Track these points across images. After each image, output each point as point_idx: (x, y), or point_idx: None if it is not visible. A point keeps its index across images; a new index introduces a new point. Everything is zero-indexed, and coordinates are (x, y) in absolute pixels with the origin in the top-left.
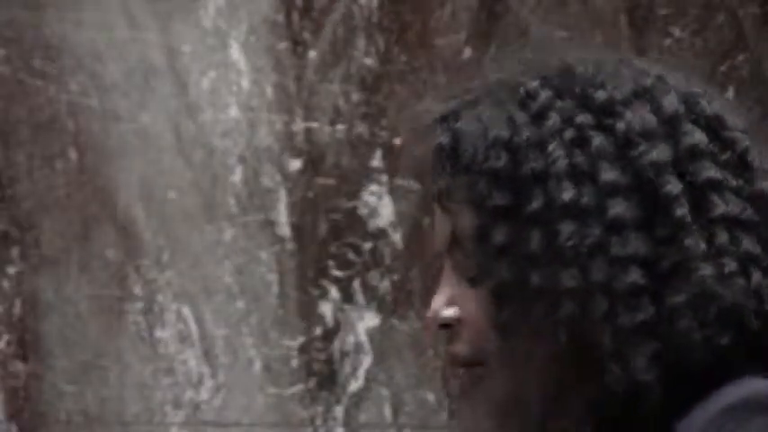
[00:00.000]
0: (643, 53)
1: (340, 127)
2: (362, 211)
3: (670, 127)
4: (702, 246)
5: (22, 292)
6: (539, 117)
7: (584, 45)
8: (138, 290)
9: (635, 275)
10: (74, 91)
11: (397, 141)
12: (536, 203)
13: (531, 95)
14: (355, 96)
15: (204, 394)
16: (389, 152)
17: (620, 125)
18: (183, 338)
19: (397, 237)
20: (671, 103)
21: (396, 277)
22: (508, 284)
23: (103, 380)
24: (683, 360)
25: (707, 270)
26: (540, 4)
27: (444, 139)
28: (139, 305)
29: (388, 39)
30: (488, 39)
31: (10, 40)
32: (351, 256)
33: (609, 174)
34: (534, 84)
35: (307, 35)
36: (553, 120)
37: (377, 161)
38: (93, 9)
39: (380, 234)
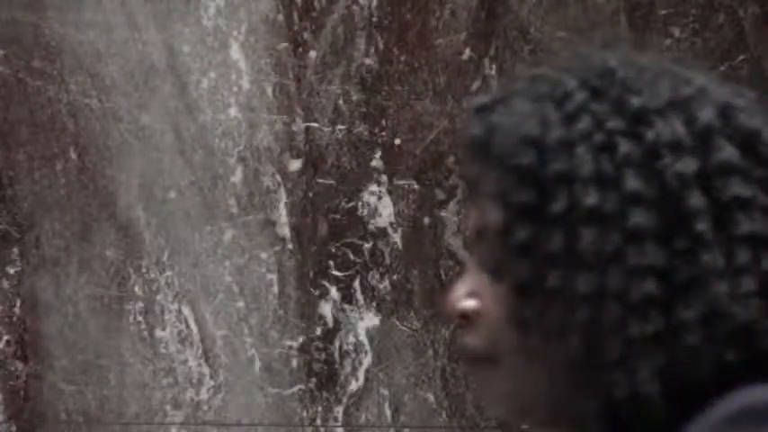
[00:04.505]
0: (643, 53)
1: (340, 127)
2: (362, 211)
3: (701, 140)
4: (720, 263)
5: (22, 292)
6: (571, 118)
7: (588, 44)
8: (138, 290)
9: (650, 286)
10: (74, 91)
11: (397, 141)
12: (559, 205)
13: (567, 95)
14: (355, 96)
15: (204, 394)
16: (389, 152)
17: (650, 134)
18: (183, 338)
19: (397, 237)
20: (706, 115)
21: (396, 277)
22: (527, 283)
23: (103, 380)
24: (688, 375)
25: (722, 287)
26: (540, 4)
27: (478, 130)
28: (139, 305)
29: (388, 39)
30: (488, 39)
31: (10, 40)
32: (351, 256)
33: (633, 182)
34: (573, 83)
35: (307, 35)
36: (585, 122)
37: (377, 161)
38: (94, 9)
39: (380, 234)
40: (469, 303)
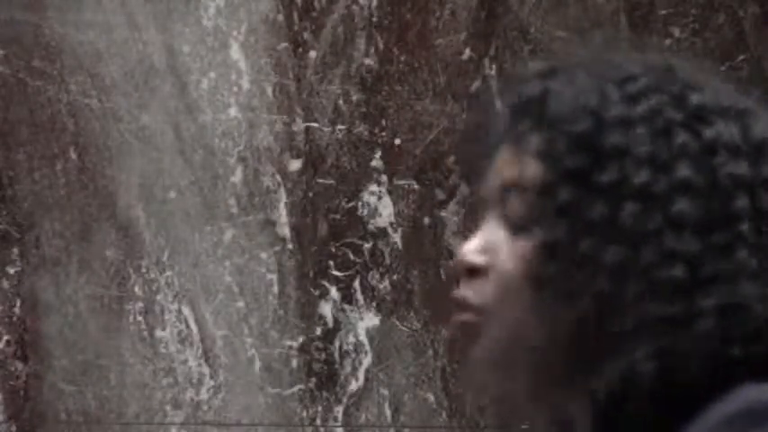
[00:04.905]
0: (643, 53)
1: (340, 127)
2: (362, 211)
3: (755, 150)
4: (754, 264)
5: (22, 292)
6: (633, 99)
7: (586, 45)
8: (138, 290)
9: (678, 271)
10: (74, 91)
11: (397, 141)
12: (609, 176)
13: (631, 78)
14: (355, 96)
15: (204, 394)
16: (389, 152)
17: (708, 132)
18: (183, 338)
19: (397, 237)
20: (761, 129)
21: (396, 277)
22: (559, 243)
23: (103, 380)
24: (687, 366)
25: (748, 287)
26: (540, 4)
27: (534, 91)
28: (139, 305)
29: (388, 39)
30: (488, 39)
31: (10, 40)
32: (351, 256)
33: (685, 170)
34: (637, 69)
35: (307, 35)
36: (646, 106)
37: (377, 161)
38: (94, 9)
39: (380, 234)
40: (481, 258)
